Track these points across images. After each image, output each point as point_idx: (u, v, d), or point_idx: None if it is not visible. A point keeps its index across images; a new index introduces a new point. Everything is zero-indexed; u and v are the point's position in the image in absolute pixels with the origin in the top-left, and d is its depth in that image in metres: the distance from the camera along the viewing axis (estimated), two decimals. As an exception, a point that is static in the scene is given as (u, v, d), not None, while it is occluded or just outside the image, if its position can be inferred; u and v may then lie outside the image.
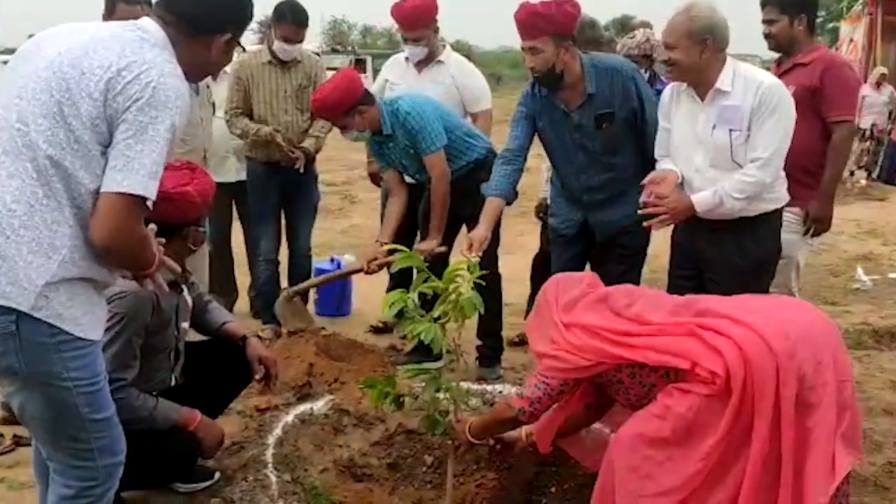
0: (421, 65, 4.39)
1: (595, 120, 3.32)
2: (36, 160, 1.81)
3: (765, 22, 3.50)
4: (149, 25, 1.97)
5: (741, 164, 2.88)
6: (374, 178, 4.80)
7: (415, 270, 2.49)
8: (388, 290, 4.70)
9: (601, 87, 3.29)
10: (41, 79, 1.84)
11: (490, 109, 4.53)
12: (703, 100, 2.96)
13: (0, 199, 1.81)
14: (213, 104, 4.25)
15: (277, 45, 4.26)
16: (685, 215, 2.93)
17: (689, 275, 3.16)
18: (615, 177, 3.39)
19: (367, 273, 3.93)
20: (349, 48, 37.25)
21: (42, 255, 1.80)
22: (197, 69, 2.09)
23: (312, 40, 38.71)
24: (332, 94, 3.69)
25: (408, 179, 4.05)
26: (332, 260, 5.05)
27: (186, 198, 2.53)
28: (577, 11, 3.21)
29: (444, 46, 4.50)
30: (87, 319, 1.92)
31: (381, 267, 3.89)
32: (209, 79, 4.02)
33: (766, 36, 3.47)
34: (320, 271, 4.91)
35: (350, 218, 6.27)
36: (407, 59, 4.48)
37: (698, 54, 2.88)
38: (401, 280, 4.04)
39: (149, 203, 1.84)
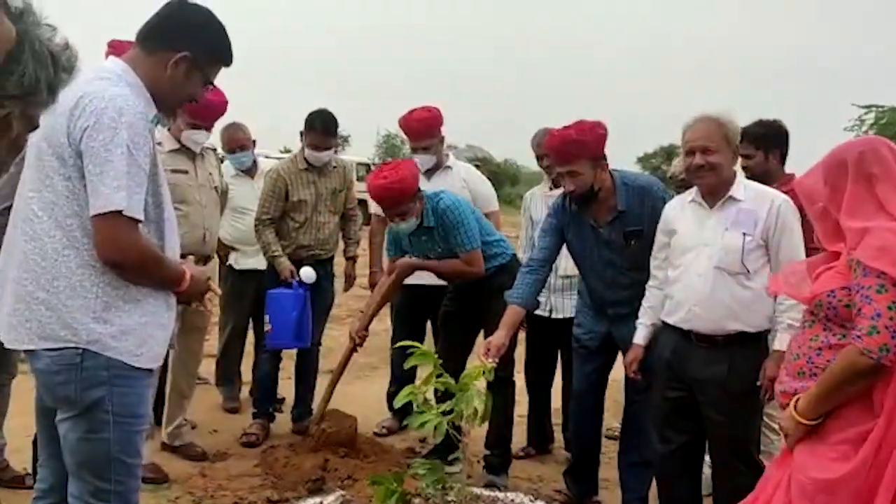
0: (430, 172, 4.59)
1: (624, 236, 3.43)
2: (56, 219, 1.99)
3: (742, 156, 3.68)
4: (107, 63, 2.13)
5: (749, 268, 2.91)
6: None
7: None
8: (391, 388, 4.73)
9: (631, 205, 3.41)
10: (35, 147, 2.04)
11: (498, 211, 4.73)
12: (711, 207, 3.04)
13: (32, 260, 2.01)
14: (221, 190, 4.26)
15: (308, 153, 4.45)
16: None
17: (678, 393, 3.09)
18: (641, 292, 3.44)
19: (356, 345, 4.07)
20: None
21: (79, 298, 1.99)
22: (161, 92, 2.14)
23: (367, 152, 40.21)
24: (406, 179, 3.72)
25: (422, 281, 4.17)
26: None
27: None
28: (606, 132, 3.38)
29: (448, 155, 4.71)
30: (144, 349, 2.07)
31: (362, 340, 4.08)
32: (212, 163, 4.15)
33: (744, 168, 3.67)
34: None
35: (384, 322, 6.30)
36: None
37: (731, 160, 3.01)
38: (404, 378, 4.08)
39: (125, 213, 1.95)
